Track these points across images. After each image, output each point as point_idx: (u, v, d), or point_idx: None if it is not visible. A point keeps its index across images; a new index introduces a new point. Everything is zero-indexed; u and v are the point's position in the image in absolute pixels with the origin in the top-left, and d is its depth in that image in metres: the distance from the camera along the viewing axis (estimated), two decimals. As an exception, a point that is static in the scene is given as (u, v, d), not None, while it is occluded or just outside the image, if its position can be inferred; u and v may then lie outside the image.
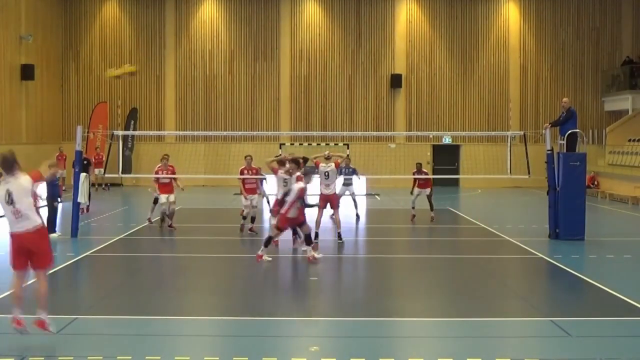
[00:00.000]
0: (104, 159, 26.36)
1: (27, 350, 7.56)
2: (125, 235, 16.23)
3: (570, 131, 15.95)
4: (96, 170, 27.08)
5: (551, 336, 8.37)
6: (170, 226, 16.98)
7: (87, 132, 26.19)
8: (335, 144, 29.45)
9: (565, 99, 16.93)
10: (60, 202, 16.91)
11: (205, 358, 7.33)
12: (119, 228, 17.30)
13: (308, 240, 12.99)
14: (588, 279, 11.54)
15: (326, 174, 15.14)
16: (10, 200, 7.72)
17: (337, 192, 16.16)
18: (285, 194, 13.08)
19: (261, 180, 17.25)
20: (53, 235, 15.79)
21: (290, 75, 32.15)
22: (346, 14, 32.20)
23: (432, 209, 18.99)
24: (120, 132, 21.21)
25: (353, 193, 19.27)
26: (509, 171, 18.25)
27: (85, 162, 18.68)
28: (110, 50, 32.08)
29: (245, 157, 16.68)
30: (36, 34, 28.79)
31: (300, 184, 12.80)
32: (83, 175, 16.67)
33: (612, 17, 32.49)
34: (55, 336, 8.08)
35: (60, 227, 16.53)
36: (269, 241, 12.90)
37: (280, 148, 28.66)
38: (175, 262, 13.58)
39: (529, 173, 17.14)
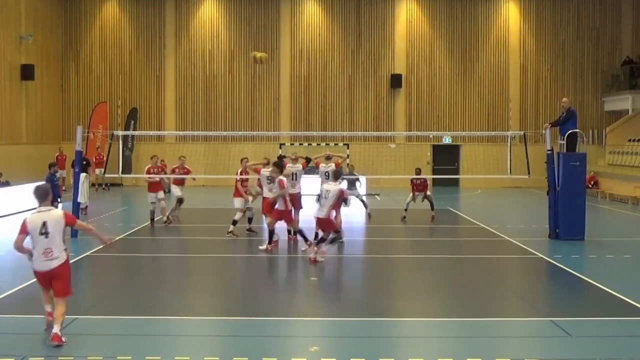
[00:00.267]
0: (104, 159, 26.36)
1: (27, 350, 7.56)
2: (125, 235, 16.23)
3: (570, 131, 15.96)
4: (97, 170, 27.13)
5: (551, 336, 8.37)
6: (166, 222, 17.54)
7: (87, 132, 26.20)
8: (335, 144, 29.47)
9: (564, 99, 16.94)
10: (60, 202, 16.91)
11: (205, 358, 7.33)
12: (119, 228, 17.29)
13: (304, 237, 13.55)
14: (588, 279, 11.54)
15: (326, 174, 15.12)
16: (45, 232, 7.82)
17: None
18: (320, 196, 13.03)
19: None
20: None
21: (290, 75, 32.15)
22: (346, 14, 32.20)
23: (432, 208, 19.04)
24: (120, 132, 21.22)
25: (359, 195, 19.30)
26: (509, 171, 18.25)
27: (84, 162, 18.71)
28: (110, 50, 32.08)
29: (242, 160, 16.60)
30: (36, 34, 28.79)
31: (340, 186, 12.95)
32: (83, 175, 16.67)
33: (612, 17, 32.49)
34: (56, 336, 8.08)
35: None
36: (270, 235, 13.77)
37: (280, 148, 28.68)
38: (175, 262, 13.58)
39: (529, 173, 17.14)
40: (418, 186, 19.11)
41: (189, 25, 32.15)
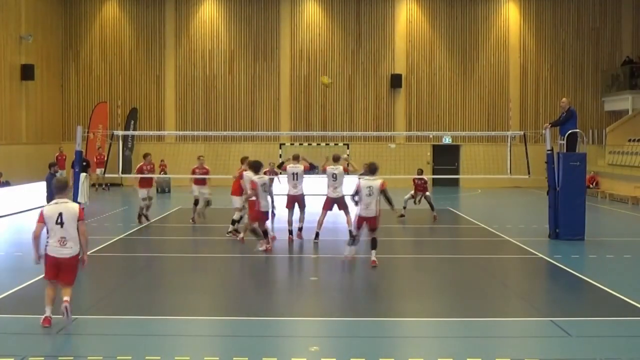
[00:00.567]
0: (105, 159, 26.36)
1: (27, 350, 7.56)
2: (125, 235, 16.23)
3: (570, 131, 15.95)
4: (98, 170, 27.14)
5: (551, 336, 8.37)
6: (139, 218, 18.07)
7: (87, 132, 26.20)
8: (335, 144, 29.47)
9: (563, 100, 16.92)
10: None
11: (205, 358, 7.33)
12: (118, 228, 17.29)
13: (265, 234, 13.71)
14: (588, 279, 11.54)
15: (334, 175, 15.06)
16: (60, 222, 8.34)
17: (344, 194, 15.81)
18: (356, 195, 12.61)
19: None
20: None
21: (290, 75, 32.14)
22: (346, 14, 32.20)
23: (432, 209, 19.10)
24: (120, 132, 21.22)
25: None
26: (509, 171, 18.26)
27: (84, 163, 18.73)
28: (110, 50, 32.08)
29: (242, 159, 16.62)
30: (36, 34, 28.79)
31: (380, 180, 12.47)
32: (83, 175, 16.67)
33: (612, 17, 32.49)
34: (55, 336, 8.09)
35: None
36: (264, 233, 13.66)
37: (280, 148, 28.69)
38: (175, 262, 13.58)
39: (529, 173, 17.14)
40: (418, 186, 19.54)
41: (189, 25, 32.15)
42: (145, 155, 18.65)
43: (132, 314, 9.34)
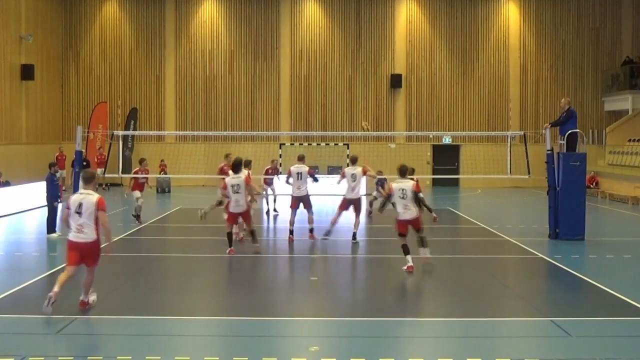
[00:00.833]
0: (105, 159, 26.39)
1: (27, 350, 7.56)
2: (126, 235, 16.23)
3: (570, 131, 15.95)
4: (98, 170, 27.14)
5: (551, 336, 8.37)
6: (138, 218, 18.23)
7: (87, 132, 26.20)
8: (335, 144, 29.47)
9: (563, 100, 16.91)
10: (60, 202, 16.91)
11: (205, 358, 7.33)
12: (118, 228, 17.28)
13: (253, 237, 13.55)
14: (588, 279, 11.54)
15: (353, 176, 15.05)
16: (79, 211, 9.09)
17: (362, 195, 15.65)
18: (390, 198, 12.27)
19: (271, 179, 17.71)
20: (53, 235, 15.85)
21: (290, 75, 32.15)
22: (346, 14, 32.20)
23: (430, 210, 18.92)
24: (120, 132, 21.22)
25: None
26: (509, 171, 18.25)
27: (84, 163, 18.78)
28: (110, 51, 32.09)
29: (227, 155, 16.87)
30: (36, 34, 28.79)
31: (413, 181, 12.30)
32: (83, 175, 16.67)
33: (612, 17, 32.50)
34: (55, 336, 8.09)
35: (60, 227, 16.53)
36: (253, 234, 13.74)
37: (280, 148, 28.69)
38: (175, 262, 13.57)
39: (528, 173, 17.14)
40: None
41: (189, 25, 32.15)
42: (141, 161, 18.92)
43: (132, 314, 9.34)
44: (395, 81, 31.78)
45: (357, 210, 15.12)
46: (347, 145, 28.97)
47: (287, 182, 15.68)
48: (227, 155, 17.04)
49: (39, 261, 13.53)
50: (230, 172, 13.73)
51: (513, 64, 32.42)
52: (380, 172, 20.02)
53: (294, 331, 8.64)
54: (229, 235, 13.63)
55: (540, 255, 13.81)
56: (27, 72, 27.82)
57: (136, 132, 29.25)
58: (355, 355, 7.43)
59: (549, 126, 16.72)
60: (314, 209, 15.68)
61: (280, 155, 28.25)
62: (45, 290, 11.07)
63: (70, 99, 32.00)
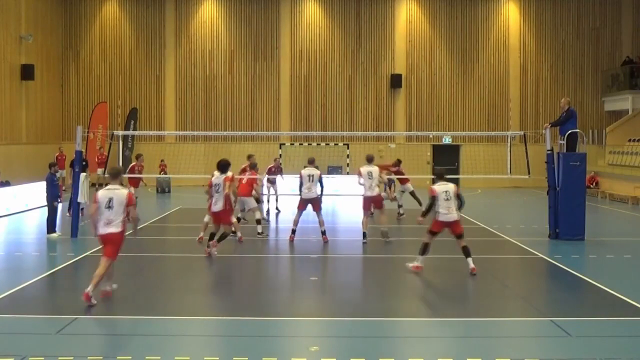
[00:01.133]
0: (106, 159, 26.36)
1: (27, 350, 7.56)
2: (126, 235, 16.18)
3: (570, 131, 15.95)
4: (99, 170, 27.12)
5: (551, 336, 8.37)
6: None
7: (87, 132, 26.19)
8: (335, 144, 29.46)
9: (563, 100, 16.91)
10: (60, 202, 16.92)
11: (205, 358, 7.32)
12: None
13: (219, 239, 13.28)
14: (588, 279, 11.54)
15: (369, 174, 15.08)
16: (110, 206, 9.59)
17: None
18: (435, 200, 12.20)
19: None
20: (53, 235, 15.85)
21: (290, 75, 32.15)
22: (346, 14, 32.20)
23: (420, 204, 18.73)
24: (120, 132, 21.21)
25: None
26: (509, 171, 18.25)
27: (83, 162, 18.73)
28: (110, 50, 32.09)
29: (249, 156, 17.00)
30: (36, 34, 28.78)
31: (453, 184, 12.35)
32: (83, 175, 16.67)
33: (612, 17, 32.50)
34: (55, 336, 8.09)
35: (60, 227, 16.53)
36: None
37: (280, 148, 28.69)
38: (175, 262, 13.57)
39: (528, 173, 17.14)
40: (401, 179, 19.65)
41: (189, 25, 32.15)
42: (138, 156, 19.18)
43: (133, 314, 9.34)
44: (395, 81, 31.78)
45: (380, 207, 15.33)
46: (347, 145, 28.97)
47: (300, 189, 15.41)
48: (249, 157, 17.25)
49: (39, 261, 13.52)
50: (216, 172, 13.75)
51: (513, 64, 32.42)
52: (390, 171, 19.91)
53: (294, 331, 8.64)
54: (211, 235, 13.53)
55: (540, 255, 13.81)
56: (27, 72, 27.82)
57: (136, 132, 29.24)
58: (355, 355, 7.42)
59: (549, 126, 16.71)
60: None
61: (280, 155, 28.25)
62: (45, 290, 11.11)
63: (70, 99, 32.00)
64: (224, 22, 32.18)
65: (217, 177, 13.55)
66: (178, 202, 24.08)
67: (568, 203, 15.60)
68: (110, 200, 9.58)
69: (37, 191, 19.92)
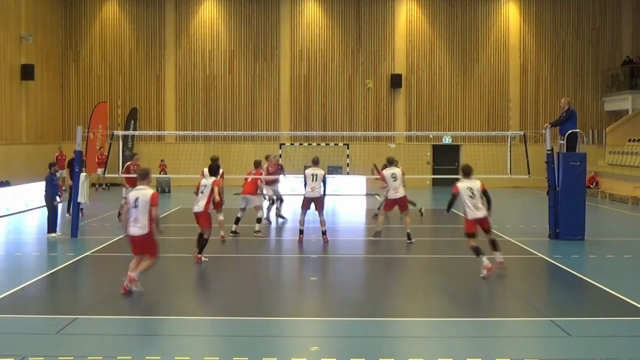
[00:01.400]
0: (106, 159, 26.37)
1: (27, 350, 7.56)
2: (126, 235, 16.18)
3: (570, 131, 15.95)
4: (99, 170, 27.13)
5: (551, 336, 8.37)
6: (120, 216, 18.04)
7: (87, 132, 26.19)
8: (335, 144, 29.46)
9: (563, 100, 16.91)
10: (60, 202, 16.93)
11: (205, 358, 7.33)
12: (118, 228, 17.26)
13: (201, 248, 12.87)
14: (588, 279, 11.54)
15: (393, 175, 15.10)
16: (136, 205, 10.00)
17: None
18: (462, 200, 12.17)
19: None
20: (53, 235, 15.84)
21: (290, 75, 32.14)
22: (346, 14, 32.20)
23: (414, 204, 18.60)
24: (120, 132, 21.21)
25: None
26: (509, 171, 18.24)
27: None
28: (110, 50, 32.08)
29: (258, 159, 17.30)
30: (36, 34, 28.78)
31: (479, 181, 12.31)
32: (83, 175, 16.67)
33: (612, 17, 32.49)
34: (55, 336, 8.10)
35: (60, 227, 16.53)
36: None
37: (280, 148, 28.68)
38: (174, 262, 13.56)
39: (528, 173, 17.13)
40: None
41: (189, 25, 32.15)
42: (133, 155, 19.28)
43: (133, 314, 9.34)
44: (395, 81, 31.78)
45: (405, 209, 15.34)
46: (347, 145, 28.96)
47: (305, 188, 15.42)
48: (267, 157, 17.70)
49: (39, 261, 13.53)
50: (206, 171, 13.76)
51: (513, 64, 32.41)
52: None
53: (294, 331, 8.64)
54: (200, 235, 13.26)
55: (540, 255, 13.81)
56: (27, 72, 27.82)
57: (136, 132, 29.23)
58: (355, 355, 7.43)
59: (549, 126, 16.71)
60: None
61: (280, 155, 28.25)
62: (45, 290, 11.11)
63: (70, 99, 31.99)
64: (224, 22, 32.18)
65: (205, 178, 13.58)
66: (178, 202, 24.07)
67: (568, 203, 15.61)
68: (136, 199, 10.04)
69: (37, 191, 19.91)
